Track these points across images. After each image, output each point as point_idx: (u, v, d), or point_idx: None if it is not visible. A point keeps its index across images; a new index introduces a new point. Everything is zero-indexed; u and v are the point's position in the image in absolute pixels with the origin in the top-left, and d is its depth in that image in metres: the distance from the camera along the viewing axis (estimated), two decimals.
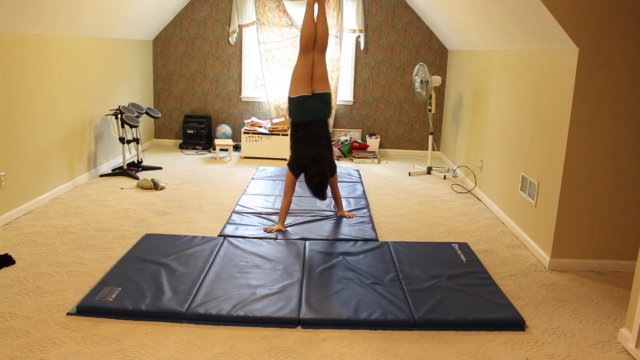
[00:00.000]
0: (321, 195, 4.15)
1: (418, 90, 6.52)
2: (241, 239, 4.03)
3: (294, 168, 4.26)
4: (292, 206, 4.80)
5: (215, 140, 7.15)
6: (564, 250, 3.77)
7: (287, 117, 4.53)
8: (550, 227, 3.79)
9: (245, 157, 7.10)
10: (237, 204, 4.94)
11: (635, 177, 3.65)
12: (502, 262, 3.89)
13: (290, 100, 4.34)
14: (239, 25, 7.36)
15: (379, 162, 7.16)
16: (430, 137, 6.67)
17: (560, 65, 3.74)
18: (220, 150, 7.53)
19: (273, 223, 4.42)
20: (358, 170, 6.46)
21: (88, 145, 5.69)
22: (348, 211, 4.80)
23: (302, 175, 4.26)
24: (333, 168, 4.47)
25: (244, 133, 7.06)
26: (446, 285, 3.35)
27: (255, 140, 7.06)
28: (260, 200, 5.06)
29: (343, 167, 6.77)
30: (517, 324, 2.94)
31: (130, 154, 6.70)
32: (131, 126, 5.79)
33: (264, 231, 4.23)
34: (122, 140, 5.85)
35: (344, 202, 5.06)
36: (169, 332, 2.80)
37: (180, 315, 2.92)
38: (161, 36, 7.49)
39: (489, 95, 5.38)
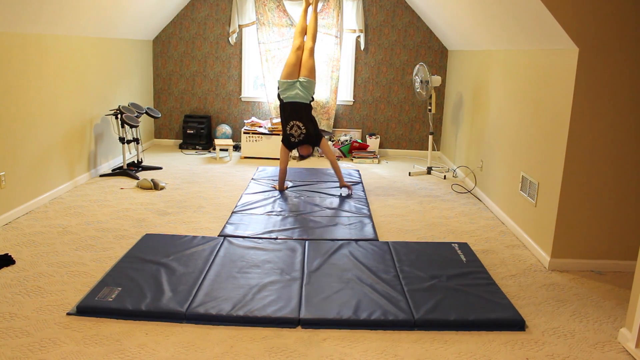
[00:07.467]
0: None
1: (418, 90, 6.52)
2: (241, 239, 4.03)
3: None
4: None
5: (215, 140, 7.15)
6: (564, 250, 3.77)
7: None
8: (550, 227, 3.79)
9: (245, 157, 7.10)
10: (237, 204, 4.95)
11: (635, 177, 3.65)
12: (502, 262, 3.89)
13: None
14: (239, 25, 7.36)
15: (379, 162, 7.16)
16: (430, 137, 6.66)
17: (560, 65, 3.74)
18: (220, 150, 7.53)
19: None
20: (358, 170, 6.46)
21: (88, 145, 5.69)
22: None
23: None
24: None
25: (244, 133, 7.06)
26: (446, 285, 3.35)
27: (255, 140, 7.06)
28: (261, 198, 5.06)
29: (343, 167, 6.76)
30: (517, 324, 2.94)
31: (130, 154, 6.70)
32: (131, 126, 5.79)
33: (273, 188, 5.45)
34: (122, 140, 5.85)
35: (344, 203, 5.06)
36: (169, 332, 2.80)
37: (180, 315, 2.92)
38: (161, 36, 7.49)
39: (489, 95, 5.38)
